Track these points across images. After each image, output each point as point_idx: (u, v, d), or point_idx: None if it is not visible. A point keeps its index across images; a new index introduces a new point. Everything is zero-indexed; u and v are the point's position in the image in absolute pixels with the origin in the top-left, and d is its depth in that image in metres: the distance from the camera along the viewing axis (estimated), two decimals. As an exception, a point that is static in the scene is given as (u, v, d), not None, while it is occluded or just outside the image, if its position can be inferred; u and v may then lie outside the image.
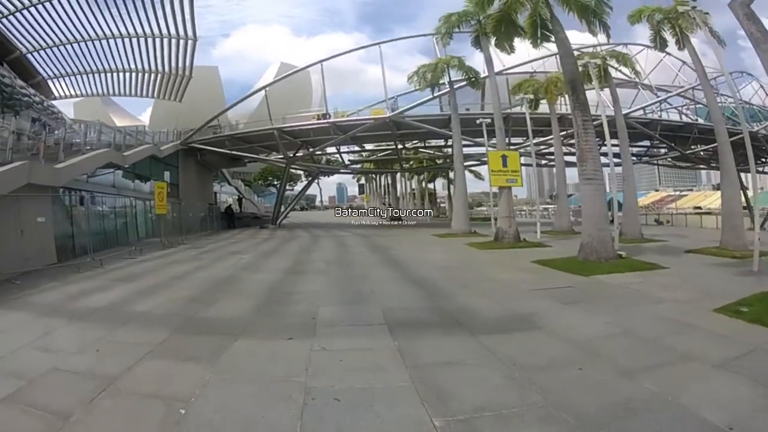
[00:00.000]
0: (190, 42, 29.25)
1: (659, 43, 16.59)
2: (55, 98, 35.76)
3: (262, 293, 8.21)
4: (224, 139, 31.39)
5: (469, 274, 10.32)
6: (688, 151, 34.50)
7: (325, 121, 28.71)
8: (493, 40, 17.37)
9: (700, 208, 49.57)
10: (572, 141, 31.42)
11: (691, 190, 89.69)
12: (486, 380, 4.01)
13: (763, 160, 36.16)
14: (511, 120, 26.05)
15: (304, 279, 10.02)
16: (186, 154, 31.10)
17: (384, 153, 40.37)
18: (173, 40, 29.35)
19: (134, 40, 30.32)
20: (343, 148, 37.29)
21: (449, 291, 8.21)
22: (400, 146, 36.07)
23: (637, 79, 26.87)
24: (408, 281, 9.39)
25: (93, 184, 18.01)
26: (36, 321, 6.46)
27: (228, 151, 31.79)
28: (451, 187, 47.13)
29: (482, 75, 23.29)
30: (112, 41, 30.80)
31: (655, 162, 43.11)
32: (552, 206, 49.45)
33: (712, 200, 57.69)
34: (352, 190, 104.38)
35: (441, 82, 24.36)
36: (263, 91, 31.58)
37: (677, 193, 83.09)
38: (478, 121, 22.93)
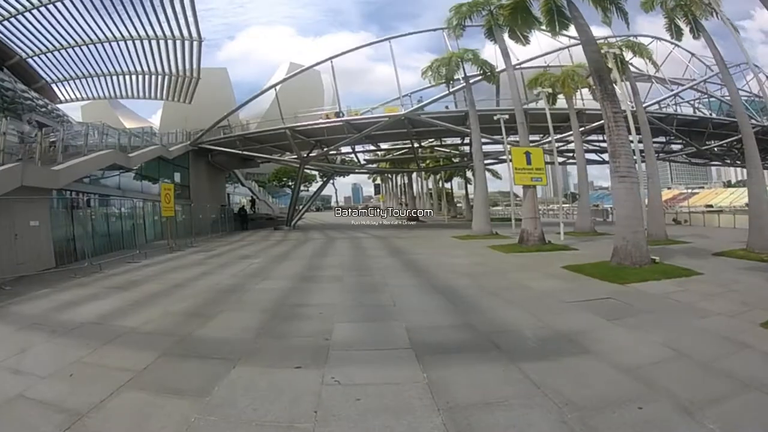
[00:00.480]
0: (195, 43, 28.74)
1: (675, 32, 15.72)
2: (60, 102, 35.67)
3: (269, 306, 7.39)
4: (235, 140, 30.96)
5: (497, 282, 9.42)
6: (704, 147, 33.27)
7: (338, 119, 28.06)
8: (506, 32, 16.63)
9: (711, 206, 48.06)
10: (589, 138, 30.83)
11: (702, 187, 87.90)
12: (535, 427, 3.27)
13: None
14: (528, 116, 25.03)
15: (318, 288, 9.20)
16: (196, 155, 30.78)
17: (400, 152, 39.69)
18: (178, 42, 28.83)
19: (138, 43, 29.91)
20: (359, 148, 36.64)
21: (479, 302, 7.38)
22: (415, 145, 35.27)
23: (654, 69, 25.85)
24: (432, 290, 8.56)
25: (98, 185, 17.56)
26: (15, 334, 5.94)
27: (239, 152, 31.33)
28: (469, 186, 46.30)
29: (497, 69, 22.37)
30: (115, 44, 30.48)
31: (669, 159, 41.76)
32: (566, 205, 48.26)
33: (723, 198, 57.00)
34: (368, 190, 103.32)
35: (456, 77, 23.38)
36: (274, 93, 31.06)
37: (689, 190, 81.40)
38: (495, 117, 22.12)
